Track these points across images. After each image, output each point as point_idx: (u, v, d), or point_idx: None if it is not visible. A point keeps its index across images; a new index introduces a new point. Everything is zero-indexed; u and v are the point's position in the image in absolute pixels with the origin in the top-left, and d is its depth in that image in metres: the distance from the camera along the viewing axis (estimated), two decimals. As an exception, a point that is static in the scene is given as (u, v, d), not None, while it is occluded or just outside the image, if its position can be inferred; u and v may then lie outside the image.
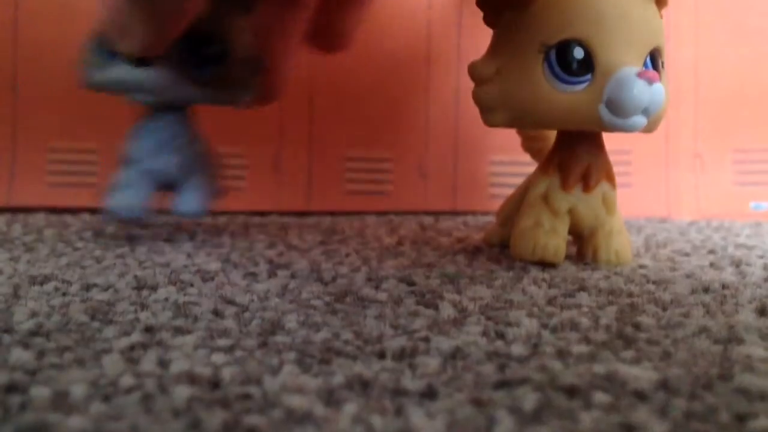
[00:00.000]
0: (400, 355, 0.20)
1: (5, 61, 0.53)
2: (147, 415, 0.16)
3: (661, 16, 0.35)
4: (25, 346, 0.21)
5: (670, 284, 0.29)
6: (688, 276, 0.30)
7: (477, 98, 0.34)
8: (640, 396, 0.17)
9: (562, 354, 0.20)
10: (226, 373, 0.19)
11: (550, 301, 0.26)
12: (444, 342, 0.21)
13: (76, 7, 0.52)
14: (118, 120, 0.53)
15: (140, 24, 0.33)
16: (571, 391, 0.18)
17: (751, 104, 0.53)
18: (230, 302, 0.26)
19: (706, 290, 0.28)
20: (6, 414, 0.16)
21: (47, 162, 0.53)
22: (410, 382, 0.18)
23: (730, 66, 0.53)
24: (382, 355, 0.20)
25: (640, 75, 0.31)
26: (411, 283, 0.29)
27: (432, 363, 0.20)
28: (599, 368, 0.19)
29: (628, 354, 0.20)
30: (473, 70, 0.34)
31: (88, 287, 0.28)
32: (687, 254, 0.36)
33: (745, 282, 0.29)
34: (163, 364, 0.19)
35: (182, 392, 0.17)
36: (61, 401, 0.17)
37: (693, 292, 0.28)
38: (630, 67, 0.31)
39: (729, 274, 0.31)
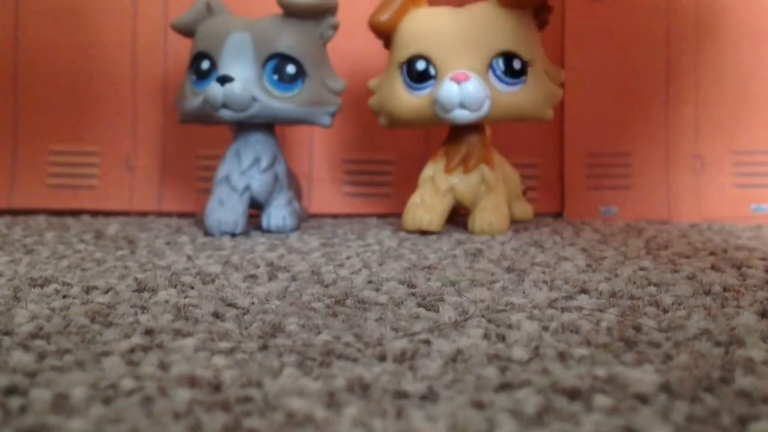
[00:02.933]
0: (401, 358, 0.20)
1: (6, 64, 0.53)
2: (147, 417, 0.16)
3: (544, 21, 0.43)
4: (26, 348, 0.21)
5: (671, 286, 0.29)
6: (689, 278, 0.30)
7: (370, 106, 0.44)
8: (642, 399, 0.17)
9: (563, 357, 0.20)
10: (227, 376, 0.19)
11: (551, 304, 0.26)
12: (445, 344, 0.21)
13: (76, 12, 0.52)
14: (117, 123, 0.53)
15: None
16: (573, 394, 0.18)
17: (752, 106, 0.52)
18: (231, 305, 0.26)
19: (707, 292, 0.28)
20: (6, 416, 0.16)
21: (48, 164, 0.53)
22: (411, 385, 0.18)
23: (731, 68, 0.53)
24: (382, 358, 0.20)
25: (451, 77, 0.40)
26: (412, 286, 0.29)
27: (433, 365, 0.20)
28: (600, 371, 0.19)
29: (630, 357, 0.20)
30: (368, 85, 0.44)
31: (88, 290, 0.28)
32: (688, 256, 0.36)
33: (746, 284, 0.29)
34: (164, 366, 0.19)
35: (183, 395, 0.17)
36: (61, 404, 0.17)
37: (694, 294, 0.28)
38: (451, 72, 0.40)
39: (730, 276, 0.31)
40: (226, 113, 0.41)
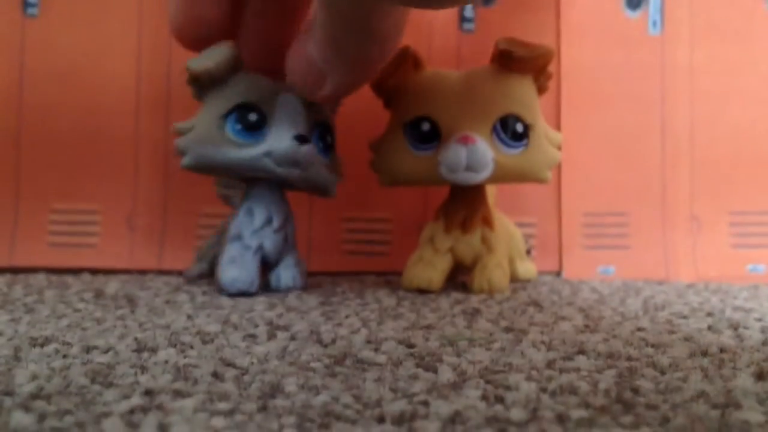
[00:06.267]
0: (400, 420, 0.20)
1: (9, 122, 0.53)
2: (147, 480, 0.16)
3: (544, 87, 0.43)
4: (26, 409, 0.21)
5: (668, 348, 0.29)
6: (686, 339, 0.31)
7: (370, 163, 0.44)
8: (639, 462, 0.17)
9: (561, 419, 0.20)
10: (226, 438, 0.19)
11: (549, 365, 0.26)
12: (443, 406, 0.21)
13: (81, 72, 0.53)
14: (119, 182, 0.53)
15: (342, 68, 0.37)
16: (571, 457, 0.18)
17: (747, 167, 0.53)
18: (230, 365, 0.26)
19: (704, 354, 0.28)
20: (6, 479, 0.16)
21: (49, 223, 0.53)
22: (410, 447, 0.18)
23: (725, 129, 0.54)
24: (381, 419, 0.20)
25: (458, 140, 0.40)
26: (410, 346, 0.29)
27: (431, 427, 0.20)
28: (598, 433, 0.19)
29: (627, 419, 0.20)
30: (369, 144, 0.44)
31: (88, 349, 0.28)
32: (685, 317, 0.36)
33: (743, 345, 0.29)
34: (163, 428, 0.19)
35: (182, 457, 0.17)
36: (61, 466, 0.17)
37: (691, 355, 0.28)
38: (457, 134, 0.40)
39: (727, 338, 0.31)
40: (293, 171, 0.41)
